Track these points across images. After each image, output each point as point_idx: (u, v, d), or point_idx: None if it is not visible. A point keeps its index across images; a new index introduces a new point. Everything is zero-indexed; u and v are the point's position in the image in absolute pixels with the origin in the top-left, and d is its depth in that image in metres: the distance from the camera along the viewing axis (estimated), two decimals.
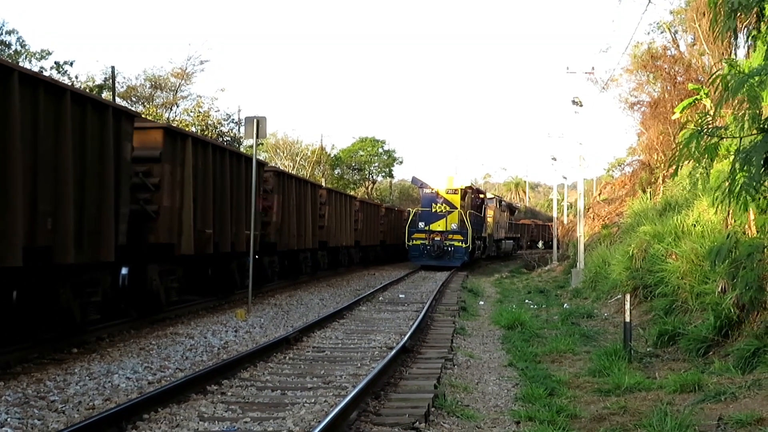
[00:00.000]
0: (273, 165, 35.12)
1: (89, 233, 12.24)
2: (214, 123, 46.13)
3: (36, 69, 34.29)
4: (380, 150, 78.06)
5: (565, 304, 22.36)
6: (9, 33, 43.01)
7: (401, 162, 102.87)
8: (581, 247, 30.56)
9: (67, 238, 11.45)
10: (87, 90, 36.21)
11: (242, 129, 26.97)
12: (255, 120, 18.86)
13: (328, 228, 32.35)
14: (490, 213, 51.35)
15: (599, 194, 51.28)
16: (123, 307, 15.40)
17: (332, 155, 72.70)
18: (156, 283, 15.78)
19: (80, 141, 12.00)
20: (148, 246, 15.44)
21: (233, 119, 48.73)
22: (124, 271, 15.08)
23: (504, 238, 59.63)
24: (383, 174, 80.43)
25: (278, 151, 65.17)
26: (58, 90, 11.42)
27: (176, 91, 49.82)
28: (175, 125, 23.39)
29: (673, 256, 16.13)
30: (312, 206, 28.67)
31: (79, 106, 11.96)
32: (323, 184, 37.75)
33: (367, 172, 77.93)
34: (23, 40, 48.49)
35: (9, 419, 8.07)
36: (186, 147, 16.39)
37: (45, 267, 11.50)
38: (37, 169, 10.87)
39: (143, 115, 25.74)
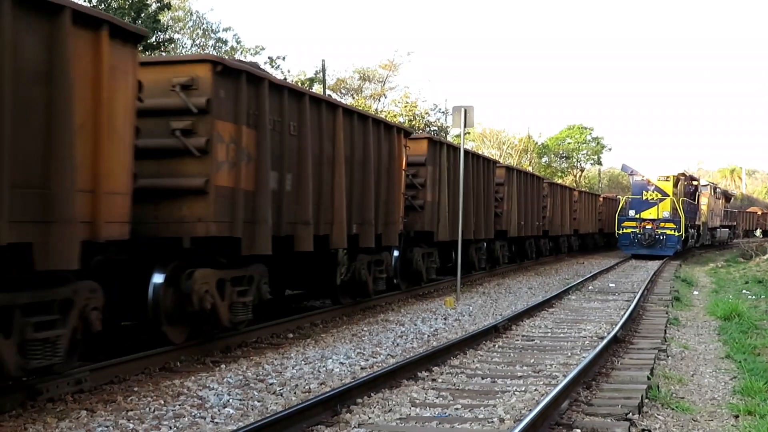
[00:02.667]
0: (505, 163, 34.92)
1: (384, 224, 16.08)
2: (421, 113, 46.63)
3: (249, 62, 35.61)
4: (588, 137, 76.73)
5: None
6: (225, 30, 45.11)
7: (610, 149, 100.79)
8: None
9: (370, 229, 15.31)
10: (299, 83, 37.63)
11: (449, 118, 27.17)
12: (462, 109, 18.95)
13: (550, 218, 35.19)
14: (704, 200, 49.48)
15: None
16: (396, 282, 18.71)
17: (539, 143, 72.05)
18: (419, 263, 19.37)
19: (378, 153, 15.71)
20: (414, 233, 19.11)
21: (440, 109, 49.14)
22: (396, 253, 18.27)
23: (719, 226, 57.37)
24: (591, 161, 79.05)
25: (485, 140, 65.17)
26: (365, 118, 15.43)
27: (384, 83, 50.68)
28: (426, 132, 24.42)
29: None
30: (537, 198, 32.36)
31: (377, 127, 15.82)
32: (530, 171, 37.22)
33: (574, 160, 76.79)
34: (238, 37, 50.60)
35: (231, 400, 8.46)
36: (442, 152, 19.96)
37: (353, 250, 15.28)
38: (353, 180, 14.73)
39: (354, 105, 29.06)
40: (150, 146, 10.02)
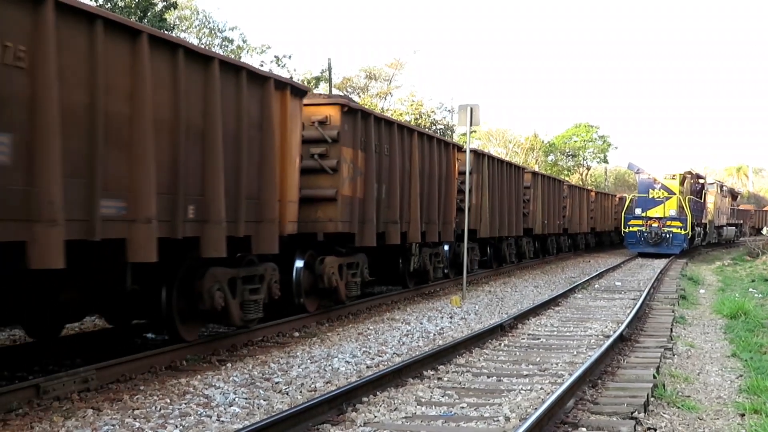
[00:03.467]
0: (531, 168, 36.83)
1: (443, 223, 19.62)
2: (427, 112, 46.64)
3: (257, 63, 35.75)
4: (594, 135, 76.64)
5: None
6: (232, 29, 45.18)
7: (616, 148, 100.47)
8: None
9: (434, 227, 19.00)
10: (305, 82, 37.80)
11: (455, 117, 27.40)
12: (468, 108, 18.94)
13: (569, 217, 39.02)
14: (710, 198, 49.43)
15: None
16: (446, 272, 21.79)
17: (545, 142, 71.99)
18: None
19: (439, 165, 19.44)
20: (461, 231, 21.03)
21: (446, 108, 49.14)
22: (446, 247, 21.58)
23: (725, 225, 57.28)
24: (598, 160, 78.94)
25: (491, 138, 65.14)
26: (431, 138, 19.21)
27: (390, 81, 50.70)
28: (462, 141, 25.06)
29: None
30: (558, 199, 35.90)
31: (438, 145, 19.52)
32: (537, 170, 37.52)
33: (581, 158, 76.71)
34: (245, 36, 50.65)
35: (237, 399, 8.48)
36: (484, 162, 23.75)
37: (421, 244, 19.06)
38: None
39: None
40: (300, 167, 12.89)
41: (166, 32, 13.00)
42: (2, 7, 7.09)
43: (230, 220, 10.39)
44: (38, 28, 7.34)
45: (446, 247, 21.53)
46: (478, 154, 23.61)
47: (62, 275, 8.63)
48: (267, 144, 11.30)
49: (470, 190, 21.47)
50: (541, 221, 32.34)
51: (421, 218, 17.91)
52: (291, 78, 20.82)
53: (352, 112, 14.55)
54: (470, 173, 20.76)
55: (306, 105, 13.41)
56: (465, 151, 20.30)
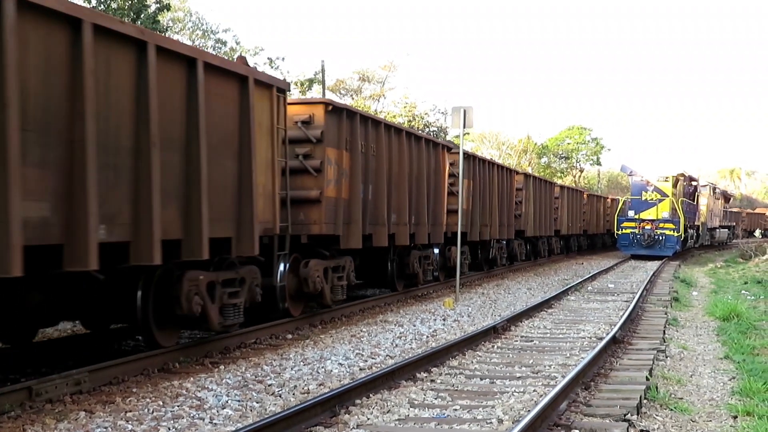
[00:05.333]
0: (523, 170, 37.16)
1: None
2: (420, 114, 46.65)
3: (250, 64, 35.65)
4: (587, 138, 76.75)
5: None
6: (225, 31, 45.16)
7: (609, 150, 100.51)
8: None
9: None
10: (299, 84, 37.87)
11: (448, 119, 27.56)
12: (462, 110, 18.95)
13: (561, 219, 38.94)
14: (703, 201, 49.50)
15: None
16: (436, 274, 21.68)
17: (539, 144, 72.06)
18: (453, 259, 21.59)
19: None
20: (452, 233, 21.40)
21: (439, 110, 49.15)
22: (436, 250, 21.19)
23: (718, 227, 57.36)
24: (591, 162, 79.07)
25: (484, 140, 65.18)
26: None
27: (383, 83, 50.71)
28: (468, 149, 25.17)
29: None
30: (549, 200, 35.82)
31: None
32: (530, 172, 37.71)
33: (574, 160, 76.80)
34: (238, 38, 50.61)
35: (230, 401, 8.47)
36: (475, 165, 23.96)
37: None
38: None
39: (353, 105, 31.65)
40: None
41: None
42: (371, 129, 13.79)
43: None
44: (378, 137, 16.26)
45: (436, 250, 21.36)
46: (468, 156, 23.40)
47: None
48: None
49: (451, 192, 21.73)
50: (533, 223, 32.40)
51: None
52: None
53: (336, 111, 14.43)
54: (461, 175, 20.91)
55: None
56: (455, 152, 20.55)
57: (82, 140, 7.78)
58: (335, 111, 14.40)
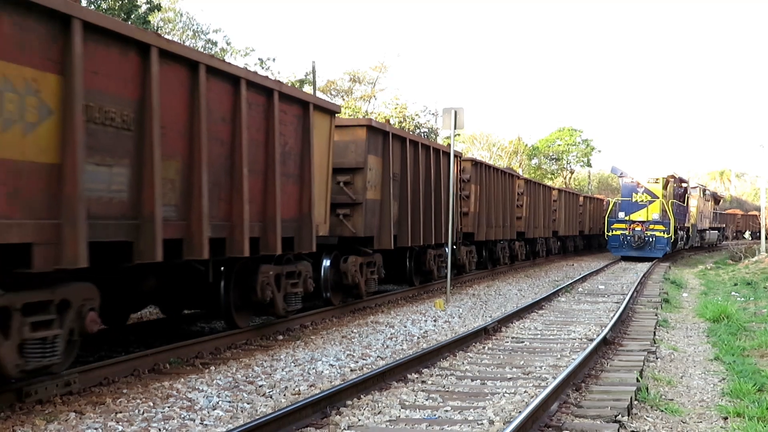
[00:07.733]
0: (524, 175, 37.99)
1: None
2: (411, 115, 46.62)
3: (240, 65, 35.71)
4: (578, 139, 76.85)
5: None
6: (215, 32, 45.11)
7: (600, 151, 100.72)
8: None
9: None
10: (290, 84, 37.94)
11: (439, 120, 27.83)
12: (453, 111, 18.94)
13: (559, 220, 40.28)
14: (693, 202, 49.63)
15: None
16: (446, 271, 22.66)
17: (529, 145, 72.12)
18: (463, 258, 24.10)
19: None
20: (462, 234, 23.60)
21: (430, 111, 49.13)
22: (447, 249, 21.87)
23: (708, 228, 57.52)
24: (581, 163, 79.16)
25: (475, 142, 65.21)
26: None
27: (374, 84, 50.69)
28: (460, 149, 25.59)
29: None
30: (548, 203, 37.54)
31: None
32: (520, 173, 37.97)
33: (564, 162, 76.89)
34: (228, 39, 50.57)
35: (220, 402, 8.45)
36: (482, 170, 25.79)
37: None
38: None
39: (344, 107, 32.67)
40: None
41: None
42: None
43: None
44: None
45: (447, 249, 21.80)
46: (477, 164, 25.49)
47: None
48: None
49: (461, 196, 23.42)
50: (533, 225, 34.07)
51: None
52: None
53: (374, 131, 16.48)
54: (461, 180, 22.26)
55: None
56: (467, 160, 22.01)
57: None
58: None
